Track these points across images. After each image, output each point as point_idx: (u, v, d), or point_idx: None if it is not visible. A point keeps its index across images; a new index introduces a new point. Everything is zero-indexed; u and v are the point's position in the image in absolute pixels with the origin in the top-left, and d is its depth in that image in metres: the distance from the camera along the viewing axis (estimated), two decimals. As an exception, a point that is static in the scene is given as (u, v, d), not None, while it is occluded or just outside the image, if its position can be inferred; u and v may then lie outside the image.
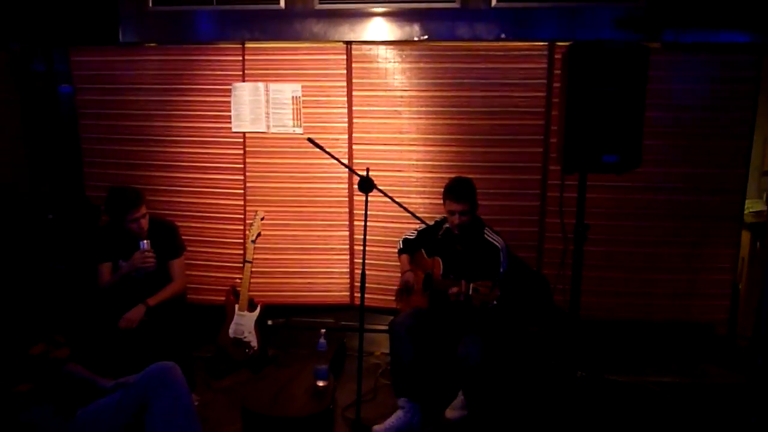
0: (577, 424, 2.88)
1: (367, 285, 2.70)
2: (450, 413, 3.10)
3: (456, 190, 3.05)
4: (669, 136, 3.56)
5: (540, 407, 3.19)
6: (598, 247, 3.55)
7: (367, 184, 2.61)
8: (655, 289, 3.70)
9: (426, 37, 3.64)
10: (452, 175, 3.26)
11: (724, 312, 3.72)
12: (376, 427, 2.90)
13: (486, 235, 3.09)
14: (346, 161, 3.73)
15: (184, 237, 3.45)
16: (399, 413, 2.94)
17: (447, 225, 3.11)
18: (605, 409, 3.17)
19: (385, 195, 2.75)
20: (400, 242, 3.40)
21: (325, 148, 2.70)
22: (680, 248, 3.65)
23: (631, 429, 2.98)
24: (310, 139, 2.69)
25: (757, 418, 2.91)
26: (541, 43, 3.57)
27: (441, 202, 3.16)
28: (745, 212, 3.73)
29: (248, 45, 3.78)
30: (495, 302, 2.77)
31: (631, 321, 3.75)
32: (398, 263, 3.41)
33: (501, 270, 2.99)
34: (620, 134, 2.44)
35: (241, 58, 3.80)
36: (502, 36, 3.60)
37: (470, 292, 2.79)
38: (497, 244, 3.05)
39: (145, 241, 3.09)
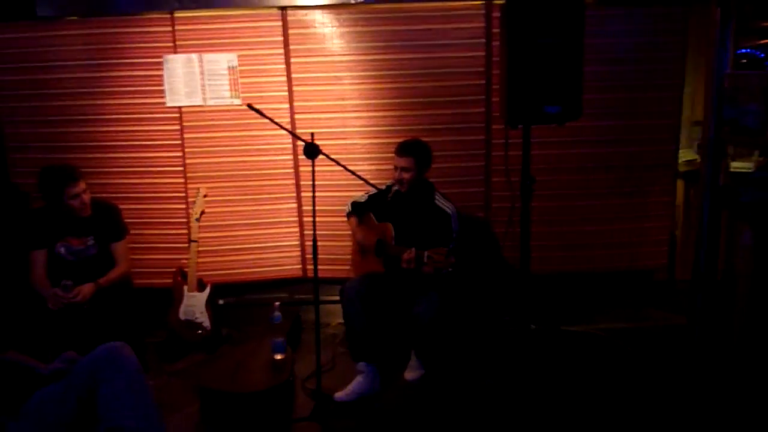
0: (532, 375, 2.96)
1: (319, 256, 2.68)
2: (408, 374, 3.12)
3: (401, 146, 3.07)
4: (605, 90, 3.63)
5: (496, 362, 3.26)
6: (544, 203, 3.61)
7: (312, 150, 2.56)
8: (599, 240, 3.82)
9: (362, -1, 3.57)
10: (397, 140, 3.22)
11: (664, 257, 3.89)
12: (337, 394, 2.89)
13: (437, 201, 3.10)
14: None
15: (125, 220, 3.30)
16: (359, 378, 2.94)
17: (396, 187, 3.09)
18: (559, 359, 3.27)
19: (331, 159, 2.70)
20: (349, 205, 3.35)
21: (267, 114, 2.62)
22: (621, 199, 3.77)
23: (584, 376, 3.09)
24: (250, 105, 2.60)
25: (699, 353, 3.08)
26: (478, 2, 3.56)
27: (388, 167, 3.15)
28: (679, 161, 3.88)
29: (177, 14, 3.60)
30: (450, 269, 2.78)
31: (579, 273, 3.87)
32: (349, 232, 3.38)
33: (453, 236, 3.01)
34: (561, 85, 2.46)
35: (171, 28, 3.62)
36: (439, -4, 3.57)
37: (425, 260, 2.80)
38: (448, 210, 3.06)
39: (68, 282, 2.89)
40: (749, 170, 3.42)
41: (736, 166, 3.49)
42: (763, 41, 3.91)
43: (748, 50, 3.89)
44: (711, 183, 3.18)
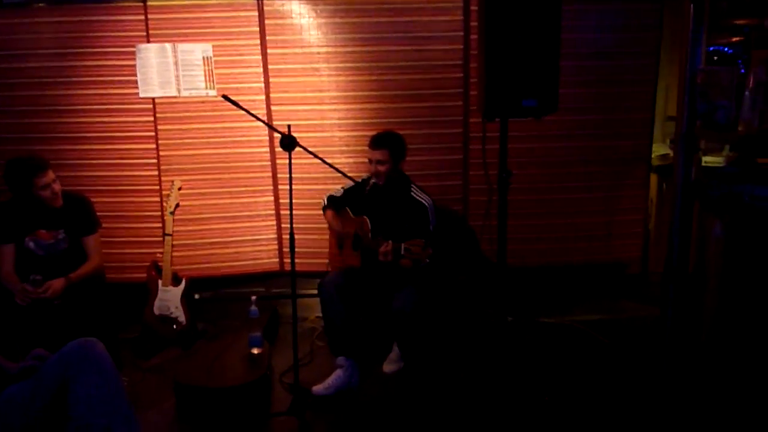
0: (510, 367, 2.99)
1: (296, 249, 2.65)
2: (387, 367, 3.13)
3: (374, 139, 3.05)
4: (581, 85, 3.67)
5: (474, 354, 3.28)
6: (521, 196, 3.63)
7: (289, 142, 2.53)
8: (575, 233, 3.87)
9: (340, -11, 3.53)
10: (375, 132, 3.20)
11: (638, 250, 3.96)
12: (315, 388, 2.88)
13: (413, 193, 3.08)
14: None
15: (97, 213, 3.23)
16: (338, 372, 2.93)
17: (373, 180, 3.08)
18: (536, 351, 3.31)
19: (308, 151, 2.67)
20: (325, 199, 3.30)
21: (242, 106, 2.58)
22: (596, 192, 3.83)
23: (560, 367, 3.13)
24: (225, 96, 2.55)
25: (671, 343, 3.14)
26: (457, -5, 3.56)
27: (365, 160, 3.13)
28: (653, 156, 3.94)
29: (150, 3, 3.53)
30: (427, 260, 2.78)
31: (555, 266, 3.91)
32: (326, 225, 3.35)
33: (430, 228, 3.01)
34: (538, 79, 2.48)
35: (143, 17, 3.55)
36: (418, -12, 3.56)
37: (402, 252, 2.79)
38: (425, 202, 3.05)
39: (38, 277, 2.82)
40: (720, 165, 3.49)
41: (708, 160, 3.55)
42: (735, 38, 3.98)
43: (713, 48, 3.96)
44: (683, 177, 3.22)
